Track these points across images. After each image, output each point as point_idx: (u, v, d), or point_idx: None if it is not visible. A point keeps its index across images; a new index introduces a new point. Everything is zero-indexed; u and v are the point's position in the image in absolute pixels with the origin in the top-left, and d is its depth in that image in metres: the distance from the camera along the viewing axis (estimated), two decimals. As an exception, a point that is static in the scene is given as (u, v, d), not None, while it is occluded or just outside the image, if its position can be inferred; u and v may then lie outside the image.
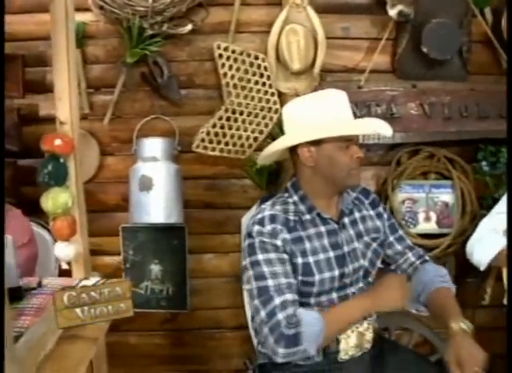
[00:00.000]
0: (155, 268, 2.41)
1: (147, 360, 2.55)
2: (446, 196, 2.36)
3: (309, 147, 1.60)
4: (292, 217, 1.64)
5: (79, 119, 2.26)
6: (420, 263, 1.83)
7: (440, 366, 2.49)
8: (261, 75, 2.20)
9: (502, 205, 2.03)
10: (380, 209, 1.82)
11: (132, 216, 2.22)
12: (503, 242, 1.93)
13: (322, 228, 1.66)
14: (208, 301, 2.43)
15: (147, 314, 2.42)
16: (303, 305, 1.63)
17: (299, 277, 1.61)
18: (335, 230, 1.68)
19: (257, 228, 1.59)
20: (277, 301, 1.53)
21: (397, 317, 2.47)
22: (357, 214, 1.76)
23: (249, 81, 2.20)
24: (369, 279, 1.77)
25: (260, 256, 1.57)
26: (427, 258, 1.85)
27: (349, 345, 1.69)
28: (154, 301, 2.43)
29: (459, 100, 2.29)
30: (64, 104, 1.61)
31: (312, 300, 1.65)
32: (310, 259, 1.61)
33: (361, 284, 1.74)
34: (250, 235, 1.60)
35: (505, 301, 2.07)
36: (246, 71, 2.19)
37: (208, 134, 2.19)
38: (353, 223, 1.73)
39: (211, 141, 2.20)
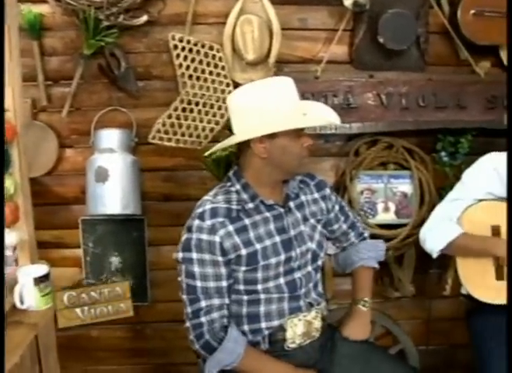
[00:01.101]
0: (115, 260, 2.44)
1: (109, 354, 2.58)
2: (404, 186, 2.40)
3: (262, 139, 1.60)
4: (235, 207, 1.66)
5: (38, 111, 2.36)
6: (359, 241, 1.99)
7: (402, 356, 2.55)
8: (216, 66, 2.24)
9: (455, 192, 2.05)
10: (327, 191, 1.87)
11: (88, 207, 2.25)
12: (455, 231, 1.96)
13: (267, 214, 1.70)
14: (169, 293, 2.45)
15: (108, 307, 2.45)
16: (250, 292, 1.68)
17: (243, 268, 1.65)
18: (281, 214, 1.71)
19: (197, 222, 1.61)
20: (203, 303, 1.62)
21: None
22: (303, 198, 1.80)
23: (204, 71, 2.23)
24: (319, 262, 1.82)
25: (194, 255, 1.61)
26: (366, 235, 2.01)
27: (296, 333, 1.73)
28: (115, 294, 2.45)
29: (417, 90, 2.33)
30: (7, 91, 1.64)
31: (259, 286, 1.68)
32: (257, 247, 1.65)
33: (309, 268, 1.77)
34: (189, 229, 1.62)
35: (463, 291, 2.10)
36: (201, 62, 2.23)
37: (164, 124, 2.23)
38: (299, 206, 1.77)
39: (167, 132, 2.23)
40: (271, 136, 1.59)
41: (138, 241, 2.42)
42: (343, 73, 2.33)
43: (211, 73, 2.24)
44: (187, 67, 2.21)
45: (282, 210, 1.72)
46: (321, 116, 1.72)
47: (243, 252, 1.63)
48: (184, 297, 1.64)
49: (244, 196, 1.68)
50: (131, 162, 2.26)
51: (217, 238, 1.60)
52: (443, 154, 2.40)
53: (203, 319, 1.60)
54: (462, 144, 2.39)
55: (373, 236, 2.31)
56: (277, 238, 1.69)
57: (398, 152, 2.39)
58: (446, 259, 2.16)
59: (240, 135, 1.64)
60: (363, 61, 2.36)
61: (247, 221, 1.66)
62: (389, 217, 2.40)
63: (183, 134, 2.25)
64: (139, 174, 2.31)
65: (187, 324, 1.63)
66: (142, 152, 2.38)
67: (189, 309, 1.62)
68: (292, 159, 1.63)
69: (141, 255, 2.43)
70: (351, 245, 1.98)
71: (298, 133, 1.61)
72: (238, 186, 1.69)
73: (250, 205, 1.67)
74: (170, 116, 2.23)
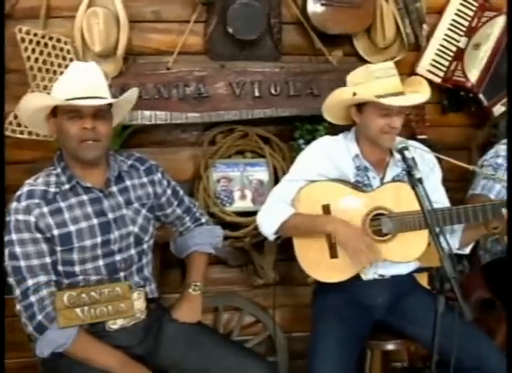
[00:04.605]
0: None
1: (-20, 348, 2.63)
2: (260, 174, 2.51)
3: (49, 116, 1.76)
4: (52, 190, 1.77)
5: None
6: (195, 226, 2.08)
7: (270, 343, 2.64)
8: (64, 58, 2.33)
9: (289, 174, 2.14)
10: (158, 175, 1.97)
11: None
12: (287, 211, 2.04)
13: (84, 197, 1.80)
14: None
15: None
16: (68, 274, 1.77)
17: (59, 248, 1.74)
18: (99, 198, 1.82)
19: (14, 204, 1.73)
20: (30, 282, 1.70)
21: (226, 296, 2.61)
22: (128, 182, 1.90)
23: (53, 64, 2.32)
24: (144, 246, 1.92)
25: (14, 236, 1.70)
26: (203, 221, 2.10)
27: None
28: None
29: (269, 79, 2.44)
30: None
31: (77, 268, 1.78)
32: (72, 228, 1.75)
33: (132, 252, 1.87)
34: (9, 212, 1.73)
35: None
36: (49, 55, 2.31)
37: (15, 117, 2.31)
38: (123, 190, 1.87)
39: (19, 125, 2.32)
40: (55, 114, 1.74)
41: (-1, 234, 2.48)
42: (195, 63, 2.43)
43: (59, 65, 2.33)
44: (36, 60, 2.30)
45: (100, 194, 1.81)
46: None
47: (56, 232, 1.73)
48: (11, 280, 1.72)
49: (63, 178, 1.79)
50: (-15, 155, 2.33)
51: (32, 218, 1.70)
52: (301, 141, 2.50)
53: (32, 299, 1.68)
54: (320, 131, 2.50)
55: (230, 224, 2.43)
56: (94, 221, 1.79)
57: (252, 140, 2.48)
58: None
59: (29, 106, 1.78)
60: (217, 52, 2.47)
61: (62, 204, 1.76)
62: (246, 204, 2.50)
63: (34, 126, 2.33)
64: (-4, 166, 2.38)
65: (18, 307, 1.71)
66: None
67: (17, 291, 1.70)
68: (70, 141, 1.74)
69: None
70: (187, 230, 2.08)
71: (78, 114, 1.70)
72: (59, 169, 1.81)
73: (67, 186, 1.77)
74: (21, 109, 2.31)
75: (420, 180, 1.77)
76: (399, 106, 1.94)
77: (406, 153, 1.86)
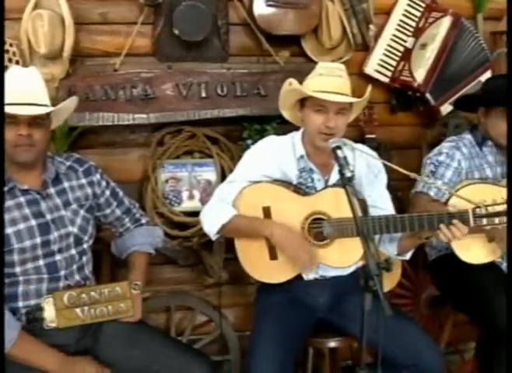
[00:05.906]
0: None
1: None
2: (208, 174, 2.54)
3: None
4: None
5: None
6: (135, 227, 2.11)
7: (223, 341, 2.67)
8: (10, 60, 2.36)
9: (233, 174, 2.16)
10: (96, 176, 2.00)
11: None
12: (228, 213, 2.05)
13: (21, 199, 1.83)
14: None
15: None
16: (9, 275, 1.80)
17: None
18: (36, 200, 1.85)
19: None
20: None
21: (178, 296, 2.64)
22: (66, 184, 1.93)
23: (-2, 66, 2.35)
24: (84, 246, 1.96)
25: None
26: (143, 221, 2.14)
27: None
28: None
29: (215, 80, 2.48)
30: None
31: (17, 269, 1.81)
32: (9, 230, 1.78)
33: (73, 252, 1.91)
34: None
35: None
36: (-6, 57, 2.35)
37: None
38: (60, 192, 1.91)
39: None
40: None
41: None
42: (142, 65, 2.46)
43: (6, 68, 2.35)
44: (-19, 62, 2.33)
45: (37, 196, 1.85)
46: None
47: None
48: None
49: None
50: None
51: None
52: (249, 142, 2.53)
53: None
54: (268, 131, 2.54)
55: (178, 224, 2.47)
56: (33, 222, 1.82)
57: (200, 141, 2.52)
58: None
59: None
60: (165, 53, 2.51)
61: None
62: (194, 204, 2.54)
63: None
64: None
65: None
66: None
67: None
68: (7, 146, 1.77)
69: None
70: (126, 231, 2.12)
71: (15, 120, 1.74)
72: None
73: (5, 189, 1.80)
74: (-33, 111, 2.34)
75: (350, 179, 1.79)
76: (333, 102, 1.92)
77: (338, 152, 1.88)
